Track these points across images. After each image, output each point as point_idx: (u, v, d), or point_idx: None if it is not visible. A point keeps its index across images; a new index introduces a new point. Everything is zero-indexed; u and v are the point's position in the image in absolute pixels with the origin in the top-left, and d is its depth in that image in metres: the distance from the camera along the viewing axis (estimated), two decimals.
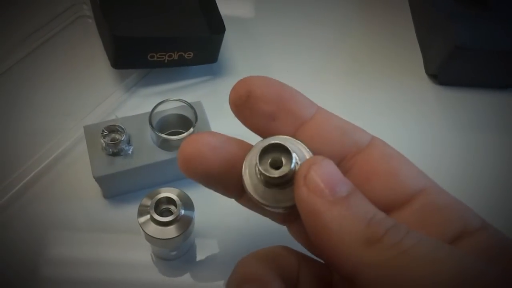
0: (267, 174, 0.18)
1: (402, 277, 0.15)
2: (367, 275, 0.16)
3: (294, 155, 0.18)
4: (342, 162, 0.20)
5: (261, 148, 0.19)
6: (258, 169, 0.19)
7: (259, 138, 0.21)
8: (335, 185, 0.17)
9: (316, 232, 0.17)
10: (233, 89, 0.20)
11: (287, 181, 0.19)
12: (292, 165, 0.18)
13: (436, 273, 0.14)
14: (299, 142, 0.20)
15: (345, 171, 0.20)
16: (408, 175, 0.20)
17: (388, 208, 0.19)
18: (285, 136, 0.20)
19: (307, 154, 0.19)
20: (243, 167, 0.20)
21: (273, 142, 0.19)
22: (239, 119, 0.21)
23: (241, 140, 0.21)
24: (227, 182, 0.21)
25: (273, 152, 0.19)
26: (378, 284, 0.15)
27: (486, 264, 0.15)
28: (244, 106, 0.20)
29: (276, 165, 0.19)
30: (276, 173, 0.18)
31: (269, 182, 0.19)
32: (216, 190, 0.22)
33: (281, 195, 0.19)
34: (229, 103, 0.21)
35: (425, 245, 0.15)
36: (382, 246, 0.16)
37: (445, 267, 0.15)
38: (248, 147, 0.21)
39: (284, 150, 0.19)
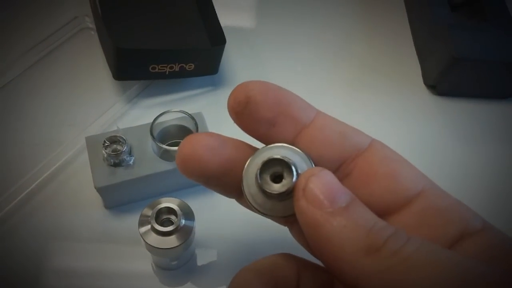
0: (268, 190, 0.19)
1: (405, 284, 0.15)
2: (369, 284, 0.16)
3: (294, 170, 0.19)
4: (343, 166, 0.20)
5: (262, 162, 0.19)
6: (258, 182, 0.19)
7: (258, 143, 0.21)
8: (334, 196, 0.17)
9: (317, 243, 0.17)
10: (232, 94, 0.20)
11: (287, 194, 0.19)
12: (294, 179, 0.18)
13: (438, 276, 0.15)
14: (299, 151, 0.20)
15: (346, 175, 0.20)
16: (407, 177, 0.19)
17: (388, 210, 0.19)
18: (285, 145, 0.20)
19: (306, 165, 0.19)
20: (242, 175, 0.20)
21: (274, 157, 0.19)
22: (238, 125, 0.21)
23: (240, 141, 0.21)
24: (226, 182, 0.21)
25: (274, 165, 0.19)
26: None
27: (487, 266, 0.15)
28: (243, 112, 0.20)
29: (277, 176, 0.19)
30: (276, 189, 0.19)
31: (269, 195, 0.19)
32: (216, 190, 0.22)
33: (281, 205, 0.19)
34: (228, 109, 0.20)
35: (425, 251, 0.16)
36: (382, 254, 0.16)
37: (446, 271, 0.15)
38: (246, 149, 0.21)
39: (285, 164, 0.19)
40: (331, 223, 0.16)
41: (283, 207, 0.19)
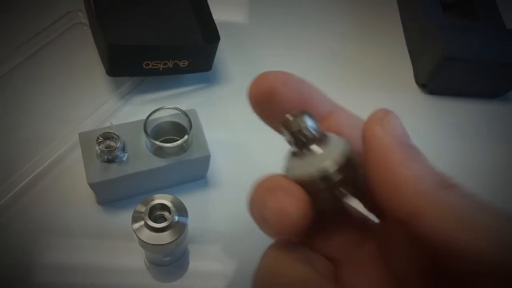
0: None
1: (475, 224, 0.15)
2: (434, 213, 0.16)
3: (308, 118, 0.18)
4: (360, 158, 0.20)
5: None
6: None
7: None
8: (407, 135, 0.18)
9: (383, 170, 0.17)
10: (254, 84, 0.20)
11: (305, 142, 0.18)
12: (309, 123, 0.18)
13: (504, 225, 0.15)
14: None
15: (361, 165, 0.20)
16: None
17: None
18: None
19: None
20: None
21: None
22: (259, 115, 0.21)
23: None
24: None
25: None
26: (445, 222, 0.15)
27: None
28: (265, 102, 0.19)
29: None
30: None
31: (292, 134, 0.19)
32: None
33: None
34: (249, 98, 0.20)
35: (480, 201, 0.16)
36: (456, 191, 0.16)
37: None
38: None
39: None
40: (403, 154, 0.17)
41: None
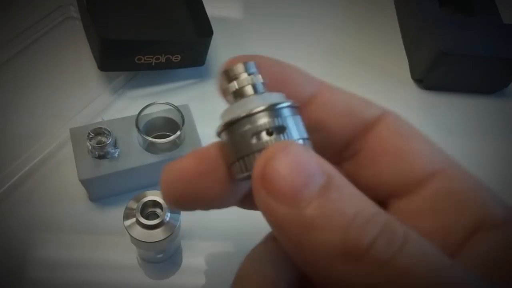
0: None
1: None
2: None
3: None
4: (352, 144, 0.18)
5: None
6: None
7: None
8: (304, 181, 0.13)
9: (285, 244, 0.14)
10: (221, 73, 0.17)
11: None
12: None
13: None
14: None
15: (355, 153, 0.18)
16: (421, 155, 0.17)
17: (396, 193, 0.17)
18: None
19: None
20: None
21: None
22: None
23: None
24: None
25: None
26: None
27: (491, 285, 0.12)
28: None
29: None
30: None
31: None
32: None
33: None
34: (219, 87, 0.17)
35: (425, 267, 0.12)
36: (365, 264, 0.12)
37: None
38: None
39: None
40: (297, 220, 0.13)
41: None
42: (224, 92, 0.17)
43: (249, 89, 0.16)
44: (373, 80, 0.50)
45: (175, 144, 0.37)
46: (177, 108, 0.37)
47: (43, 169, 0.40)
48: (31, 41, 0.47)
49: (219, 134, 0.16)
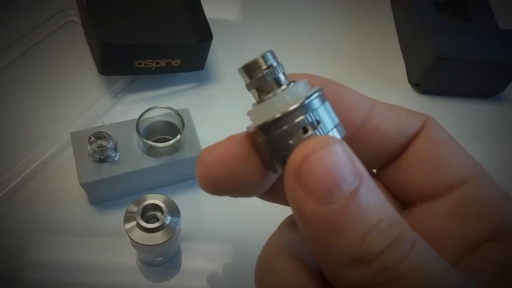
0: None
1: None
2: None
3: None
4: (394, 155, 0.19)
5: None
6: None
7: None
8: (336, 183, 0.13)
9: (306, 238, 0.14)
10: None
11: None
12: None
13: None
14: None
15: (393, 160, 0.19)
16: (452, 162, 0.17)
17: (426, 196, 0.18)
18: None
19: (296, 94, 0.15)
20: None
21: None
22: None
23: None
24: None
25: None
26: None
27: None
28: None
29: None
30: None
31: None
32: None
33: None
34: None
35: (424, 273, 0.13)
36: (372, 268, 0.13)
37: None
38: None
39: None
40: (322, 218, 0.13)
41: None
42: (248, 87, 0.16)
43: (273, 84, 0.16)
44: (370, 84, 0.51)
45: (175, 148, 0.37)
46: (177, 112, 0.37)
47: (43, 172, 0.40)
48: (32, 45, 0.47)
49: (251, 134, 0.16)
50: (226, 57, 0.50)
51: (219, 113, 0.45)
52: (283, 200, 0.17)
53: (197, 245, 0.38)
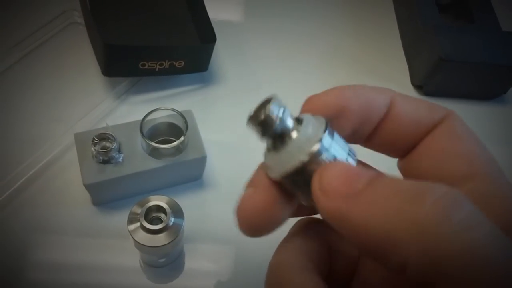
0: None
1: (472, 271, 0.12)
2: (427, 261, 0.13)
3: (275, 104, 0.16)
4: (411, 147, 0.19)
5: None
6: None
7: None
8: (352, 179, 0.15)
9: (348, 234, 0.15)
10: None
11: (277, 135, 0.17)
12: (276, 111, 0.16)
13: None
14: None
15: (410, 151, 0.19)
16: (464, 156, 0.18)
17: None
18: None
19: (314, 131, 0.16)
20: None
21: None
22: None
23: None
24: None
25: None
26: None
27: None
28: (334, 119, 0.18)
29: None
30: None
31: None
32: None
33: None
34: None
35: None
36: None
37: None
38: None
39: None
40: (353, 206, 0.15)
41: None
42: (259, 138, 0.17)
43: (285, 131, 0.17)
44: (373, 85, 0.51)
45: (178, 149, 0.37)
46: (180, 114, 0.37)
47: (47, 173, 0.40)
48: (35, 46, 0.48)
49: (275, 180, 0.17)
50: (230, 58, 0.50)
51: (223, 115, 0.45)
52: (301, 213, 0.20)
53: (200, 247, 0.38)
